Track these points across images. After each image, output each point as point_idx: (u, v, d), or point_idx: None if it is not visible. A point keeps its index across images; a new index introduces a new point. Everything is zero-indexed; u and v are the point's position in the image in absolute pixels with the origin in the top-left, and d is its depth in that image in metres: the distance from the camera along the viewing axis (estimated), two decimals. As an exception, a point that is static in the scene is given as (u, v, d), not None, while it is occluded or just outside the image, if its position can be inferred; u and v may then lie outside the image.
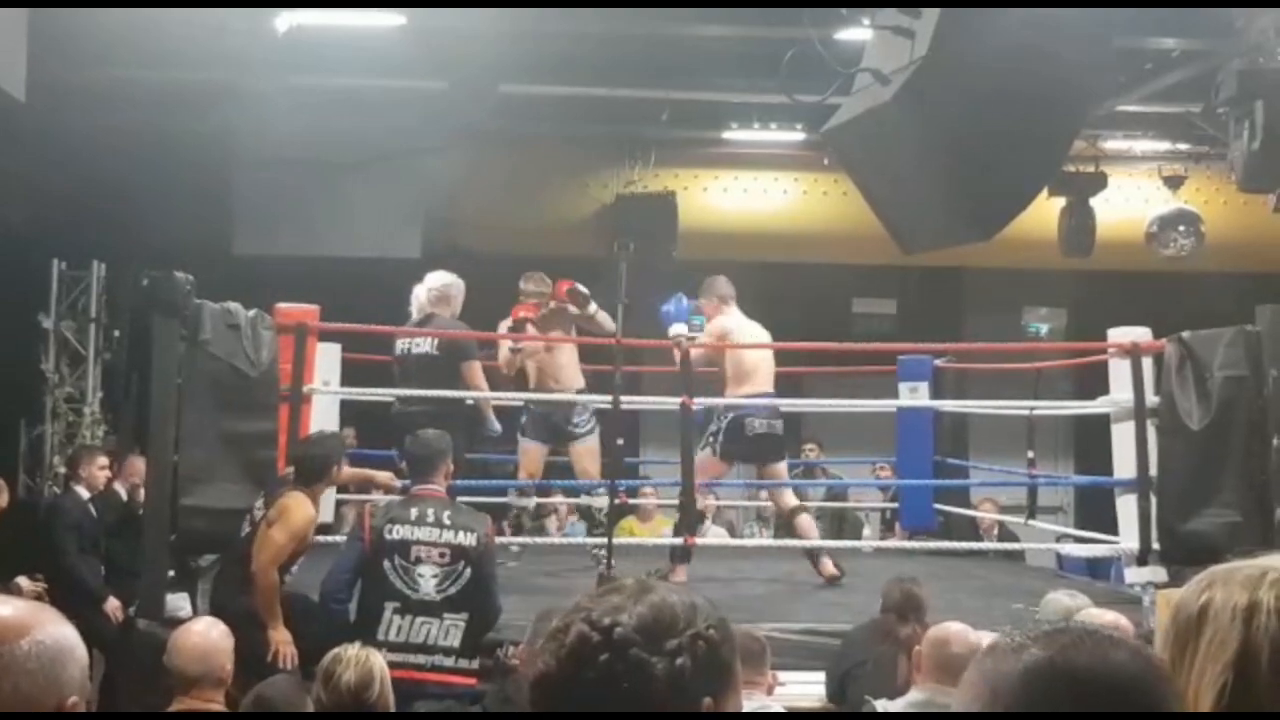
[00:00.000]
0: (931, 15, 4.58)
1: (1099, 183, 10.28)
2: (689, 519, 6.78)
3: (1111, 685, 1.15)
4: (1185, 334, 6.32)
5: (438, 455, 5.31)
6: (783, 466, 7.44)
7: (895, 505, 9.13)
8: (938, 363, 8.45)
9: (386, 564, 5.03)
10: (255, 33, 7.41)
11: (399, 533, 5.05)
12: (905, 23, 4.70)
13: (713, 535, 8.47)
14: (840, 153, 5.58)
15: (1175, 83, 8.17)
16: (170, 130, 9.01)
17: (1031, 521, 8.38)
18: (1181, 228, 10.36)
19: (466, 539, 5.09)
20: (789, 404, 7.10)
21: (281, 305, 6.33)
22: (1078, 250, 10.40)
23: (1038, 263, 10.73)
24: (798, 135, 9.87)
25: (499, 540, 5.91)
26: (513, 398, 7.31)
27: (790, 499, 7.36)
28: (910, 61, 4.61)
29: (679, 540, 6.75)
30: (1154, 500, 6.29)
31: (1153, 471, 6.31)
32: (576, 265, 8.64)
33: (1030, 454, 8.06)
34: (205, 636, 3.82)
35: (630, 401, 7.22)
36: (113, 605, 7.21)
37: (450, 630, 5.01)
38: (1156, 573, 6.21)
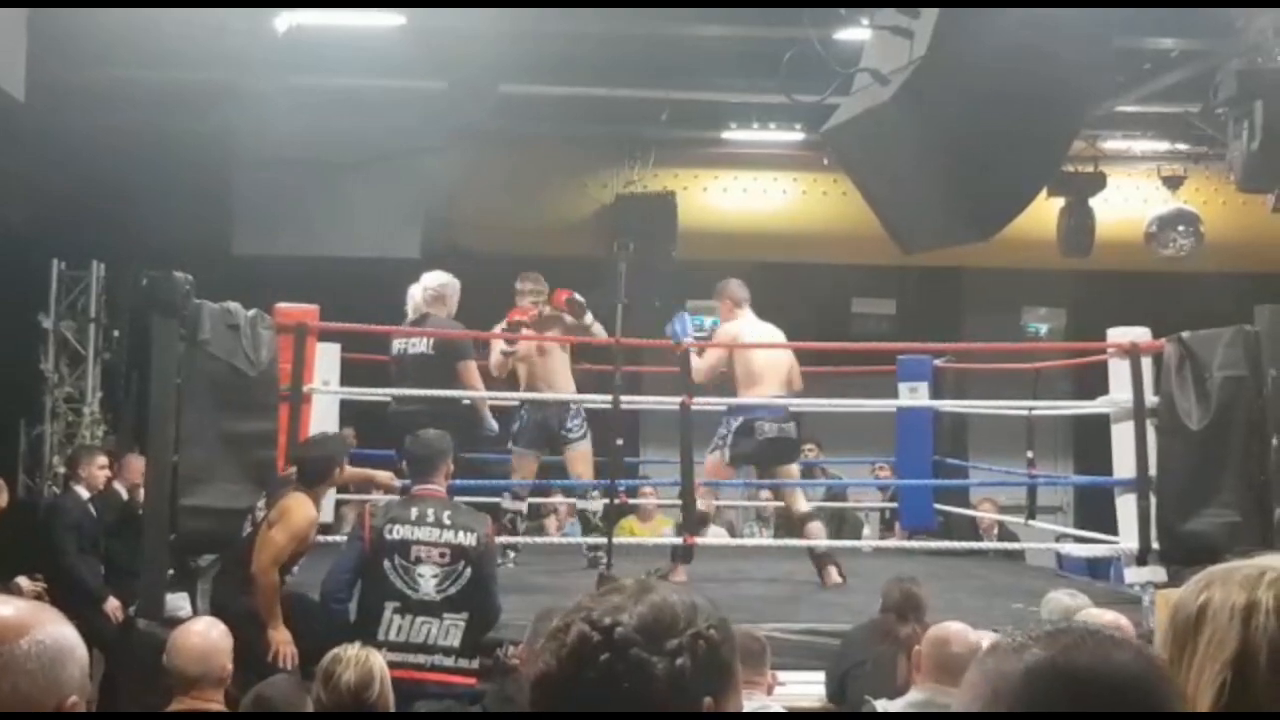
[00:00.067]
0: (930, 15, 4.58)
1: (1098, 183, 10.28)
2: (690, 518, 6.78)
3: (1113, 685, 1.15)
4: (1184, 334, 6.32)
5: (438, 455, 5.31)
6: (794, 469, 7.44)
7: (895, 505, 9.13)
8: (937, 363, 8.44)
9: (386, 564, 5.03)
10: (255, 33, 7.41)
11: (399, 533, 5.06)
12: (904, 23, 4.70)
13: (713, 535, 8.46)
14: (839, 153, 5.59)
15: (1174, 83, 8.17)
16: (170, 130, 9.01)
17: (1031, 521, 8.39)
18: (1181, 228, 10.37)
19: (466, 539, 5.09)
20: (789, 404, 7.09)
21: (281, 305, 6.33)
22: (1077, 250, 10.40)
23: (1037, 263, 10.73)
24: (797, 135, 9.87)
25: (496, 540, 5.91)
26: (509, 398, 7.31)
27: (802, 504, 7.37)
28: (909, 61, 4.62)
29: (680, 540, 6.75)
30: (1153, 500, 6.29)
31: (1152, 471, 6.31)
32: (576, 265, 8.65)
33: (1030, 454, 8.06)
34: (205, 636, 3.82)
35: (630, 401, 7.22)
36: (113, 605, 7.21)
37: (450, 630, 5.01)
38: (1156, 573, 6.21)
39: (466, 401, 6.79)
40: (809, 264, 10.79)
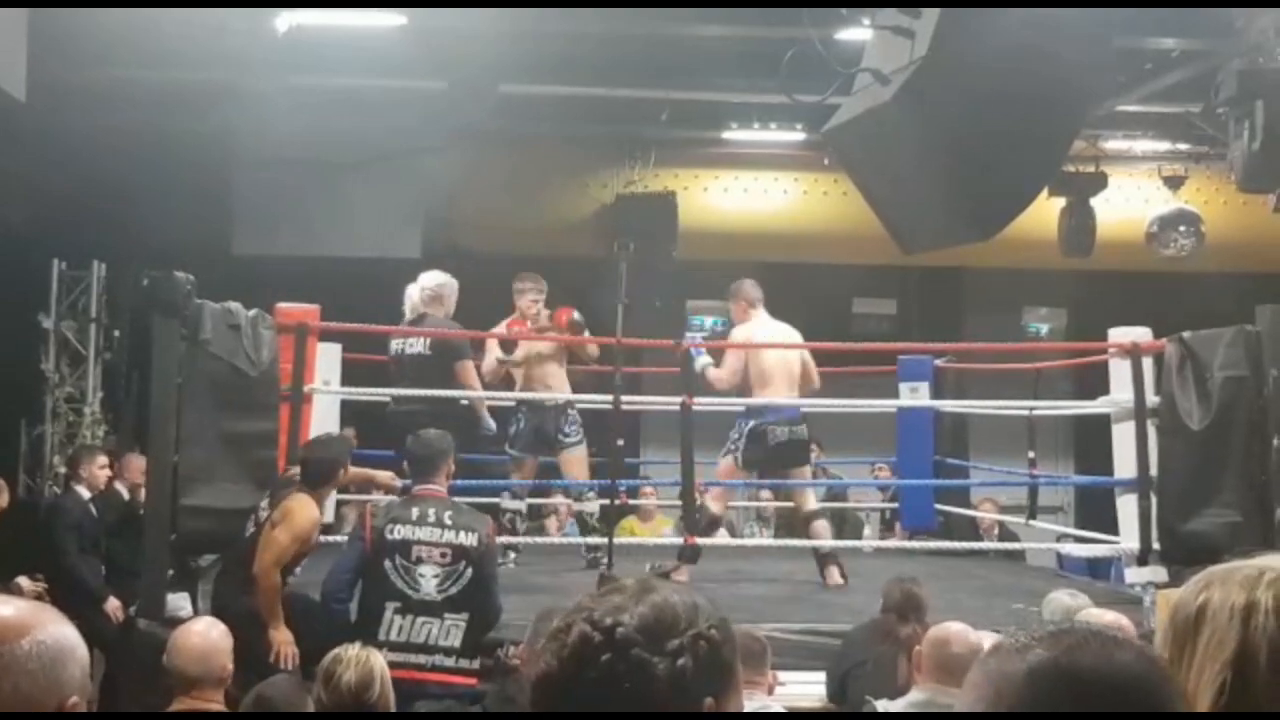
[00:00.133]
0: (931, 15, 4.58)
1: (1099, 183, 10.29)
2: (691, 519, 6.78)
3: (1116, 686, 1.15)
4: (1185, 334, 6.32)
5: (439, 455, 5.31)
6: (807, 470, 7.43)
7: (895, 505, 9.13)
8: (938, 363, 8.45)
9: (387, 564, 5.03)
10: (255, 33, 7.41)
11: (400, 533, 5.05)
12: (905, 23, 4.70)
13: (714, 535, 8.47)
14: (840, 153, 5.58)
15: (1175, 83, 8.18)
16: (170, 130, 9.01)
17: (1032, 521, 8.38)
18: (1182, 228, 10.37)
19: (467, 539, 5.09)
20: (788, 404, 7.09)
21: (282, 305, 6.33)
22: (1078, 250, 10.40)
23: (1038, 263, 10.73)
24: (798, 135, 9.87)
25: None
26: (508, 397, 7.31)
27: (811, 502, 7.37)
28: (910, 61, 4.61)
29: (684, 540, 6.77)
30: (1154, 500, 6.29)
31: (1153, 471, 6.31)
32: (576, 265, 8.66)
33: (1031, 454, 8.06)
34: (205, 637, 3.82)
35: (630, 401, 7.22)
36: (113, 605, 7.21)
37: (451, 630, 5.01)
38: (1157, 573, 6.21)
39: (464, 402, 6.79)
40: (810, 264, 10.79)
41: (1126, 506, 6.45)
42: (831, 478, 9.84)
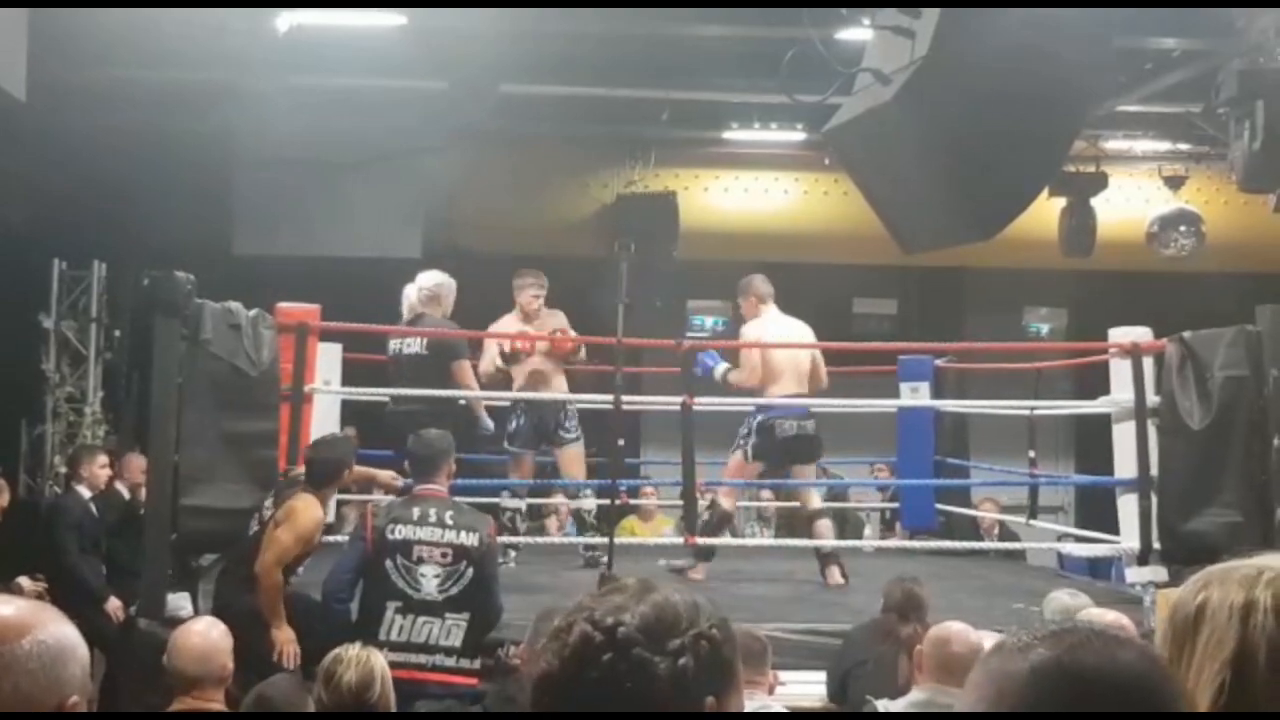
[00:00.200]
0: (932, 15, 4.58)
1: (1099, 183, 10.29)
2: (692, 518, 6.78)
3: (1118, 685, 1.15)
4: (1186, 334, 6.32)
5: (440, 455, 5.31)
6: (813, 468, 7.43)
7: (896, 505, 9.13)
8: (938, 363, 8.44)
9: (388, 564, 5.03)
10: (255, 33, 7.41)
11: (401, 532, 5.05)
12: (905, 23, 4.70)
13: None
14: (841, 153, 5.58)
15: (1176, 83, 8.17)
16: (170, 130, 9.01)
17: (1032, 521, 8.39)
18: (1182, 228, 10.37)
19: (468, 539, 5.09)
20: (789, 403, 7.08)
21: (283, 305, 6.33)
22: (1078, 250, 10.40)
23: (1038, 263, 10.73)
24: (798, 135, 9.87)
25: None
26: (506, 397, 7.31)
27: (816, 501, 7.37)
28: (911, 61, 4.61)
29: (701, 541, 6.84)
30: (1155, 500, 6.29)
31: (1154, 471, 6.31)
32: (577, 265, 8.66)
33: (1031, 454, 8.05)
34: (205, 636, 3.82)
35: (631, 401, 7.22)
36: (114, 605, 7.21)
37: (452, 630, 5.01)
38: (1157, 572, 6.21)
39: (462, 401, 6.80)
40: (810, 264, 10.78)
41: (1127, 506, 6.45)
42: (832, 478, 9.84)
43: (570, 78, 8.68)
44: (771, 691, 4.29)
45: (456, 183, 9.97)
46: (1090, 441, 9.31)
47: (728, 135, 10.11)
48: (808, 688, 5.13)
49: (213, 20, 7.16)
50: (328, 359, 6.54)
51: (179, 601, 5.78)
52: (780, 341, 7.12)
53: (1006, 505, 9.28)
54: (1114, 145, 10.27)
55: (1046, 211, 9.92)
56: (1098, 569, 8.49)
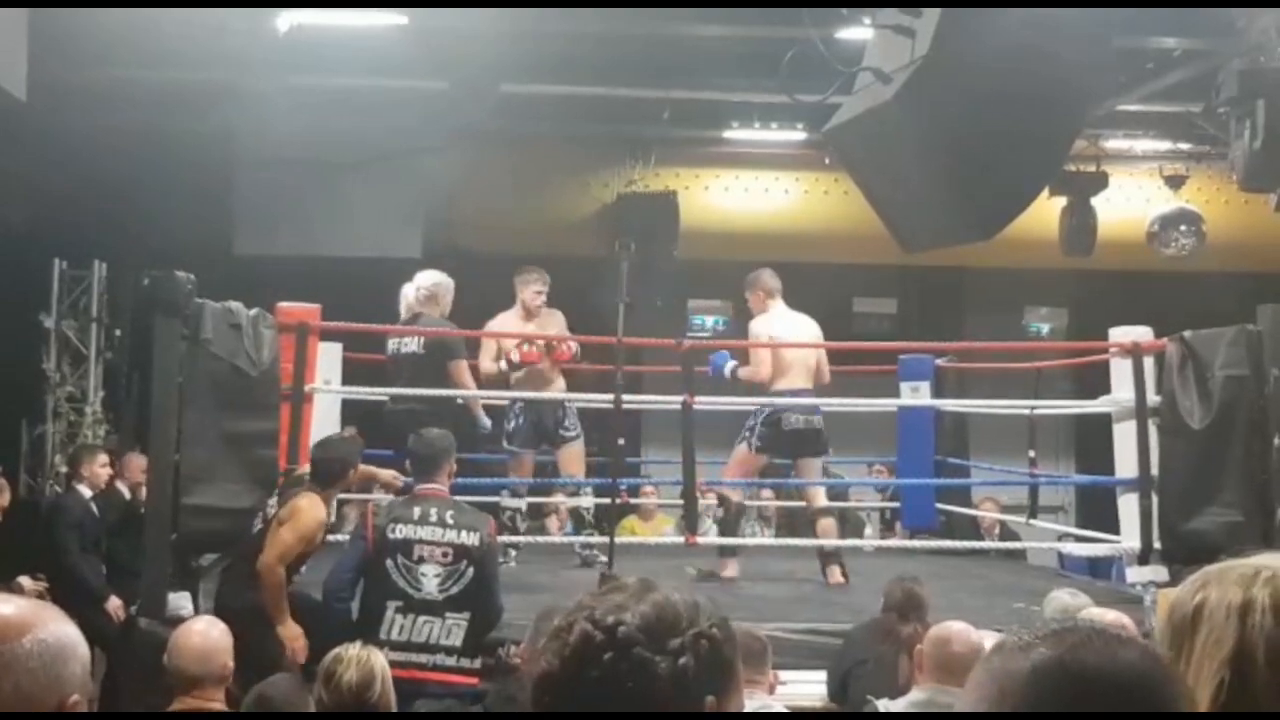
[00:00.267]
0: (932, 15, 4.58)
1: (1100, 182, 10.29)
2: (693, 518, 6.77)
3: (1120, 684, 1.15)
4: (1186, 333, 6.32)
5: (441, 454, 5.31)
6: (819, 463, 7.43)
7: (896, 505, 9.13)
8: (939, 362, 8.44)
9: (389, 563, 5.03)
10: (255, 33, 7.42)
11: (402, 532, 5.05)
12: (906, 22, 4.70)
13: (714, 534, 8.46)
14: (841, 152, 5.58)
15: (1176, 82, 8.18)
16: (170, 130, 9.01)
17: (1033, 521, 8.39)
18: (1183, 227, 10.37)
19: (469, 538, 5.09)
20: (792, 402, 7.08)
21: (283, 305, 6.33)
22: (1079, 250, 10.40)
23: (1039, 262, 10.73)
24: (798, 135, 9.87)
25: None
26: (505, 396, 7.31)
27: (821, 498, 7.37)
28: (911, 61, 4.61)
29: (726, 540, 6.96)
30: (1155, 499, 6.29)
31: (1154, 471, 6.31)
32: (577, 265, 8.66)
33: (1032, 453, 8.06)
34: (206, 636, 3.81)
35: (631, 401, 7.22)
36: (114, 604, 7.21)
37: (452, 629, 5.01)
38: (1158, 572, 6.21)
39: (460, 400, 6.80)
40: (810, 263, 10.75)
41: (1127, 506, 6.45)
42: (832, 477, 9.84)
43: (570, 77, 8.68)
44: (772, 691, 4.29)
45: (456, 183, 9.97)
46: (1090, 441, 9.31)
47: (728, 135, 10.11)
48: (808, 687, 5.13)
49: (213, 20, 7.17)
50: (328, 359, 6.55)
51: (179, 601, 5.78)
52: (788, 336, 7.13)
53: (1007, 505, 9.28)
54: (1114, 145, 10.27)
55: (1047, 211, 9.92)
56: (1098, 569, 8.48)
